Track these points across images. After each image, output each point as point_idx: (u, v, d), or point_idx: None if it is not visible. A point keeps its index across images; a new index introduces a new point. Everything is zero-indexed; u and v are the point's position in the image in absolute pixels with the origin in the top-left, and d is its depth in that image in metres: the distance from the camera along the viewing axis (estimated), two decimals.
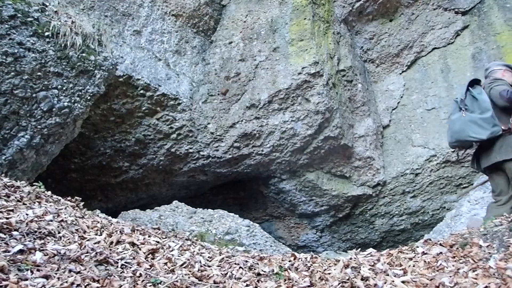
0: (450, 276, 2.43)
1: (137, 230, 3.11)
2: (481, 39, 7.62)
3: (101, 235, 2.77)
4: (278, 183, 7.89)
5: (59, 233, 2.57)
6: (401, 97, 8.10)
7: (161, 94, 6.40)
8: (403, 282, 2.49)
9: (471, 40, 7.70)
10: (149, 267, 2.51)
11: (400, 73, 8.21)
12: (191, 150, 7.04)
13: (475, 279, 2.33)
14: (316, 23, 7.07)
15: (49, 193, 3.45)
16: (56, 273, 2.09)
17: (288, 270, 2.92)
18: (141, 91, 6.23)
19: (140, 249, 2.73)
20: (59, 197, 3.46)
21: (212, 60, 7.22)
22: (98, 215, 3.46)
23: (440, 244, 3.04)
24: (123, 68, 5.92)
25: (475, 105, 4.17)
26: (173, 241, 3.08)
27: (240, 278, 2.66)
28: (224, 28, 7.43)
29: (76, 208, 3.30)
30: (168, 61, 6.71)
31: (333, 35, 7.35)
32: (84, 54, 4.43)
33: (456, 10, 7.80)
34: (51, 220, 2.71)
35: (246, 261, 2.95)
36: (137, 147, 6.78)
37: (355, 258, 3.03)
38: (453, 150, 6.54)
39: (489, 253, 2.68)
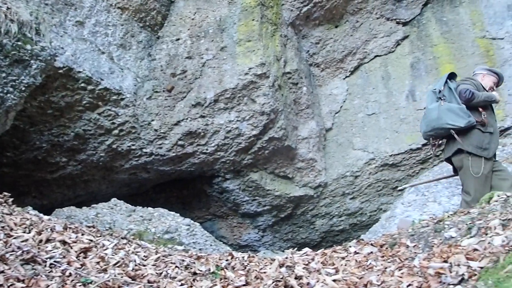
0: (378, 275, 2.53)
1: (70, 228, 3.01)
2: (420, 50, 7.99)
3: (29, 233, 2.66)
4: (222, 183, 7.89)
5: None
6: (344, 101, 8.34)
7: (103, 88, 6.22)
8: (334, 280, 2.57)
9: (410, 49, 8.07)
10: (80, 266, 2.44)
11: (344, 78, 8.44)
12: (133, 147, 6.90)
13: (400, 277, 2.44)
14: (264, 25, 7.13)
15: None
16: None
17: (225, 269, 2.93)
18: (82, 84, 6.03)
19: (71, 248, 2.64)
20: None
21: (158, 56, 7.11)
22: (28, 212, 3.31)
23: (371, 244, 3.16)
24: (63, 59, 5.70)
25: (452, 96, 4.42)
26: (107, 240, 3.01)
27: (175, 278, 2.65)
28: (171, 24, 7.33)
29: (4, 204, 3.15)
30: (112, 54, 6.53)
31: (280, 38, 7.44)
32: (19, 43, 4.22)
33: (397, 20, 8.13)
34: None
35: (183, 260, 2.93)
36: (76, 142, 6.55)
37: (290, 257, 3.09)
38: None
39: (415, 252, 2.81)
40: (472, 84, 4.48)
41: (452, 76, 4.65)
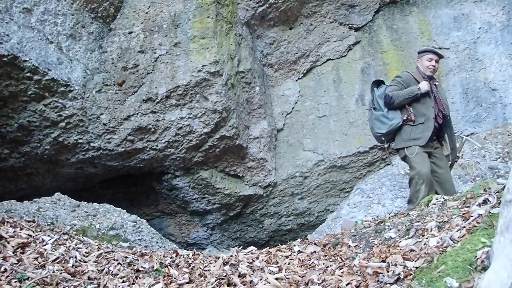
0: (319, 274, 2.61)
1: (8, 222, 2.90)
2: (370, 55, 8.25)
3: None
4: (171, 180, 7.82)
5: None
6: (296, 102, 8.47)
7: (50, 79, 6.01)
8: (276, 279, 2.62)
9: (361, 55, 8.31)
10: (16, 262, 2.36)
11: (296, 80, 8.57)
12: (80, 141, 6.71)
13: (341, 276, 2.52)
14: (219, 23, 7.13)
15: None
16: None
17: (169, 266, 2.92)
18: (28, 74, 5.80)
19: (8, 243, 2.56)
20: None
21: (109, 48, 6.94)
22: None
23: (315, 244, 3.24)
24: (8, 47, 5.47)
25: (380, 103, 4.61)
26: (48, 235, 2.92)
27: (117, 274, 2.62)
28: (124, 17, 7.18)
29: None
30: (61, 44, 6.32)
31: (235, 37, 7.46)
32: None
33: (350, 25, 8.35)
34: None
35: (126, 257, 2.90)
36: (20, 133, 6.29)
37: (235, 255, 3.12)
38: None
39: (356, 252, 2.91)
40: (397, 83, 4.66)
41: (379, 82, 4.86)
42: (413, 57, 7.97)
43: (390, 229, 3.05)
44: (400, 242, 2.73)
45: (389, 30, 8.14)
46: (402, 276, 2.23)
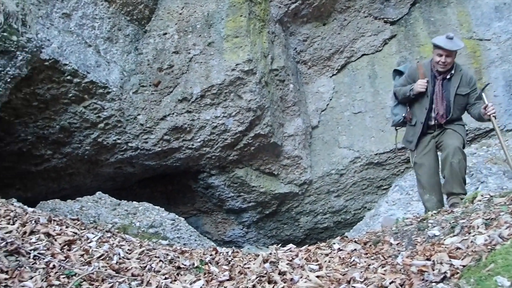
0: (361, 272, 2.57)
1: (54, 220, 3.00)
2: (407, 49, 8.08)
3: (13, 224, 2.65)
4: (207, 178, 7.89)
5: None
6: (330, 99, 8.40)
7: (89, 81, 6.17)
8: (317, 276, 2.60)
9: (397, 49, 8.15)
10: (64, 259, 2.43)
11: (331, 76, 8.50)
12: (119, 141, 6.86)
13: (383, 274, 2.47)
14: (252, 21, 7.14)
15: None
16: None
17: (209, 264, 2.94)
18: (68, 77, 5.97)
19: (55, 240, 2.64)
20: None
21: (145, 50, 7.07)
22: (12, 204, 3.29)
23: (355, 241, 3.19)
24: (50, 51, 5.64)
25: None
26: (92, 233, 3.00)
27: (159, 271, 2.65)
28: (159, 18, 7.29)
29: None
30: (99, 48, 6.48)
31: (268, 34, 7.45)
32: (5, 34, 4.17)
33: (385, 19, 8.20)
34: None
35: (167, 254, 2.94)
36: (62, 135, 6.49)
37: (274, 253, 3.11)
38: None
39: (398, 250, 2.85)
40: (403, 78, 4.42)
41: (399, 72, 4.59)
42: None
43: (434, 226, 2.97)
44: (445, 240, 2.65)
45: (426, 22, 7.94)
46: (448, 275, 2.17)
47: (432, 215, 3.39)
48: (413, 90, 4.17)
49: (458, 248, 2.44)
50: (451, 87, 4.20)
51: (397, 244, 2.99)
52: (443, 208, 3.64)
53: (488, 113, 3.90)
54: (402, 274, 2.41)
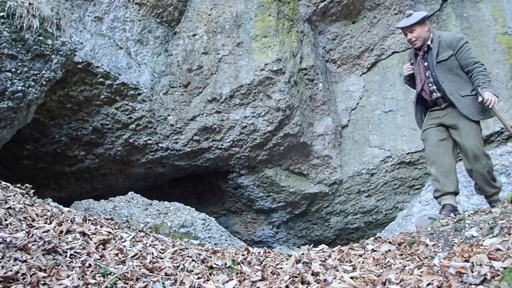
0: (397, 273, 2.52)
1: (89, 220, 3.05)
2: None
3: (50, 223, 2.70)
4: (237, 178, 7.91)
5: (5, 220, 2.49)
6: (360, 98, 8.29)
7: (121, 83, 6.27)
8: (352, 277, 2.56)
9: None
10: (99, 258, 2.47)
11: (361, 75, 8.39)
12: (149, 142, 6.95)
13: (420, 276, 2.42)
14: (280, 21, 7.11)
15: None
16: (0, 261, 2.03)
17: (241, 264, 2.94)
18: (100, 79, 6.08)
19: (91, 239, 2.68)
20: (8, 184, 3.34)
21: (175, 51, 7.14)
22: (49, 204, 3.37)
23: (389, 242, 3.14)
24: (82, 54, 5.76)
25: None
26: (125, 232, 3.04)
27: (192, 271, 2.67)
28: (188, 20, 7.35)
29: (26, 195, 3.20)
30: (130, 50, 6.58)
31: (296, 34, 7.41)
32: (41, 38, 4.28)
33: None
34: None
35: (199, 254, 2.95)
36: (94, 136, 6.62)
37: (307, 253, 3.08)
38: None
39: (435, 251, 2.79)
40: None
41: None
42: (486, 46, 7.56)
43: (471, 227, 2.89)
44: (483, 241, 2.58)
45: (459, 18, 7.74)
46: (488, 277, 2.10)
47: (468, 215, 3.30)
48: (402, 76, 4.36)
49: (498, 249, 2.37)
50: (431, 57, 4.16)
51: (433, 245, 2.92)
52: (479, 208, 3.55)
53: (487, 106, 3.83)
54: (440, 275, 2.36)
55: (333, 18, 8.01)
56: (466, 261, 2.37)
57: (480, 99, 3.84)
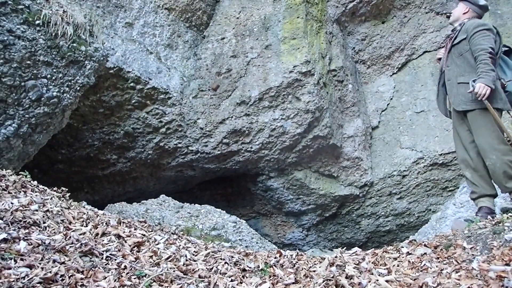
0: (434, 277, 2.46)
1: (123, 222, 3.10)
2: None
3: (86, 226, 2.75)
4: (266, 181, 7.90)
5: (44, 223, 2.55)
6: (391, 99, 8.16)
7: (151, 87, 6.36)
8: (387, 281, 2.51)
9: None
10: (134, 260, 2.50)
11: (391, 75, 8.26)
12: (180, 145, 7.02)
13: (458, 280, 2.35)
14: (309, 22, 7.08)
15: (35, 183, 3.42)
16: (40, 263, 2.08)
17: (274, 266, 2.92)
18: (131, 84, 6.19)
19: (125, 242, 2.72)
20: (45, 187, 3.43)
21: (203, 55, 7.20)
22: (84, 207, 3.44)
23: (425, 245, 3.07)
24: (114, 60, 5.87)
25: None
26: (159, 235, 3.07)
27: (225, 273, 2.67)
28: (217, 23, 7.40)
29: (62, 198, 3.28)
30: (160, 54, 6.67)
31: (325, 35, 7.36)
32: (74, 44, 4.38)
33: (448, 14, 7.79)
34: (36, 210, 2.69)
35: (232, 257, 2.95)
36: (126, 140, 6.73)
37: (340, 256, 3.05)
38: None
39: (473, 255, 2.71)
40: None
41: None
42: None
43: (511, 230, 2.80)
44: None
45: (492, 15, 7.53)
46: None
47: (507, 217, 3.20)
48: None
49: None
50: (451, 41, 4.11)
51: (471, 248, 2.84)
52: None
53: (478, 98, 3.68)
54: (479, 279, 2.29)
55: (362, 18, 7.92)
56: (507, 264, 2.30)
57: (469, 89, 3.72)
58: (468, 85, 3.78)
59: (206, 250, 3.01)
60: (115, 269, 2.32)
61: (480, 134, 3.79)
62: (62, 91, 4.36)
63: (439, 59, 4.37)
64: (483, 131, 3.78)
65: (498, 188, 3.98)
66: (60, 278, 2.03)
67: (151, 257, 2.61)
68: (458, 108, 3.88)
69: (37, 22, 4.07)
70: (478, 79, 3.70)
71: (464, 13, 4.13)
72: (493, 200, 3.96)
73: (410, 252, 2.99)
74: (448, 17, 7.79)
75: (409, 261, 2.81)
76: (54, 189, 3.50)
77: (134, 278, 2.29)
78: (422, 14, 7.90)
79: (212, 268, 2.71)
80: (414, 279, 2.49)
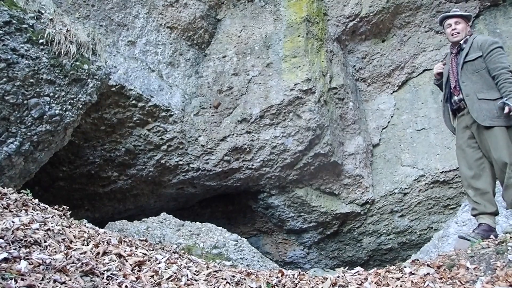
0: None
1: (124, 241, 3.08)
2: None
3: (87, 245, 2.74)
4: (267, 198, 7.88)
5: (45, 242, 2.54)
6: (392, 116, 8.18)
7: (153, 105, 6.39)
8: None
9: None
10: (135, 279, 2.48)
11: (391, 93, 8.29)
12: (181, 162, 7.02)
13: None
14: (309, 41, 7.14)
15: (36, 201, 3.41)
16: (40, 283, 2.06)
17: (275, 286, 2.90)
18: (133, 102, 6.22)
19: (126, 261, 2.70)
20: (46, 206, 3.41)
21: (205, 73, 7.24)
22: (85, 225, 3.42)
23: (428, 265, 3.04)
24: (116, 77, 5.91)
25: None
26: (160, 254, 3.05)
27: None
28: (218, 42, 7.47)
29: (63, 217, 3.26)
30: (161, 72, 6.72)
31: (326, 53, 7.42)
32: (77, 63, 4.42)
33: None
34: (37, 229, 2.67)
35: (233, 276, 2.93)
36: (127, 157, 6.74)
37: (342, 276, 3.02)
38: None
39: (476, 275, 2.69)
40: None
41: None
42: None
43: None
44: None
45: (491, 34, 7.58)
46: None
47: (511, 237, 3.18)
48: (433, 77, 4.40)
49: None
50: (460, 57, 4.10)
51: (474, 268, 2.82)
52: None
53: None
54: None
55: (362, 37, 7.99)
56: (511, 285, 2.28)
57: (506, 110, 3.71)
58: (490, 101, 3.84)
59: (207, 269, 2.98)
60: None
61: (502, 149, 3.78)
62: (64, 109, 4.38)
63: (439, 73, 4.40)
64: (505, 147, 3.78)
65: (504, 202, 3.97)
66: None
67: (152, 276, 2.59)
68: (484, 123, 3.86)
69: (41, 41, 4.11)
70: (508, 99, 3.71)
71: (468, 30, 4.20)
72: (494, 218, 3.93)
73: (413, 272, 2.96)
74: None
75: (412, 281, 2.79)
76: (55, 207, 3.49)
77: None
78: (421, 33, 7.96)
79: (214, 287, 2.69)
80: None
